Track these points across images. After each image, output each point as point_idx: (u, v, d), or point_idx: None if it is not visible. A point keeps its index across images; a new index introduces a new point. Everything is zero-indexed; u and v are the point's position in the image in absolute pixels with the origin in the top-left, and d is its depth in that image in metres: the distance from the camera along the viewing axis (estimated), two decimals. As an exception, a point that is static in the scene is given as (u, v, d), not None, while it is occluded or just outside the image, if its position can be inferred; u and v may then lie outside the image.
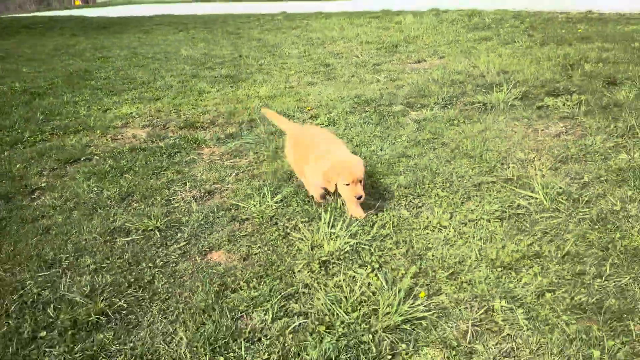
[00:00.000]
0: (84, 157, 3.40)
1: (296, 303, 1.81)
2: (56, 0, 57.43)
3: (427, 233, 2.21)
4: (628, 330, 1.55)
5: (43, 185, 2.99)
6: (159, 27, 12.26)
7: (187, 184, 2.94)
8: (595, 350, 1.47)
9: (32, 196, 2.88)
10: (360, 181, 2.34)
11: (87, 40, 10.22)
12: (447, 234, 2.18)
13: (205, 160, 3.32)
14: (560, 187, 2.44)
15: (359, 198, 2.32)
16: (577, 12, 9.05)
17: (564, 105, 3.72)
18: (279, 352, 1.57)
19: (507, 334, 1.58)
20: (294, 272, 2.00)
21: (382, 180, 2.78)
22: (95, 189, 2.89)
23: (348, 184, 2.31)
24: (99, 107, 4.72)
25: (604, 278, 1.79)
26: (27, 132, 3.92)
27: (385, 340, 1.59)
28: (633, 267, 1.83)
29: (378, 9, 12.39)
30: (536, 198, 2.39)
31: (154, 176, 3.06)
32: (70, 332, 1.71)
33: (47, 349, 1.65)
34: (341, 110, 4.11)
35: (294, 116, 4.10)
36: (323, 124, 3.83)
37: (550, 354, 1.48)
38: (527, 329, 1.59)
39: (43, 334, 1.72)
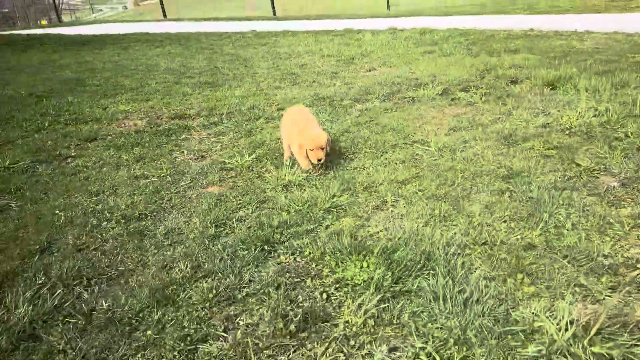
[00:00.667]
0: (99, 137, 4.42)
1: (266, 204, 2.90)
2: (20, 21, 57.35)
3: (354, 170, 3.35)
4: (463, 208, 2.69)
5: (73, 154, 4.00)
6: (135, 44, 13.25)
7: (185, 152, 3.99)
8: (436, 209, 2.61)
9: (67, 161, 3.89)
10: (323, 149, 3.21)
11: (70, 55, 11.13)
12: (368, 170, 3.31)
13: (195, 138, 4.39)
14: (447, 143, 3.63)
15: (319, 160, 3.21)
16: (520, 30, 10.55)
17: (470, 97, 4.97)
18: (256, 224, 2.65)
19: (391, 210, 2.71)
20: (264, 191, 3.09)
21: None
22: (114, 155, 3.92)
23: (312, 150, 3.21)
24: (99, 106, 5.72)
25: (455, 185, 2.95)
26: (47, 122, 4.91)
27: (321, 215, 2.70)
28: (475, 180, 3.00)
29: (342, 28, 13.77)
30: (429, 150, 3.56)
31: (157, 148, 4.11)
32: (122, 221, 2.75)
33: (108, 230, 2.68)
34: (302, 104, 5.26)
35: (263, 110, 5.21)
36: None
37: (415, 218, 2.61)
38: (404, 207, 2.72)
39: (105, 223, 2.75)
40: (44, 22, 43.38)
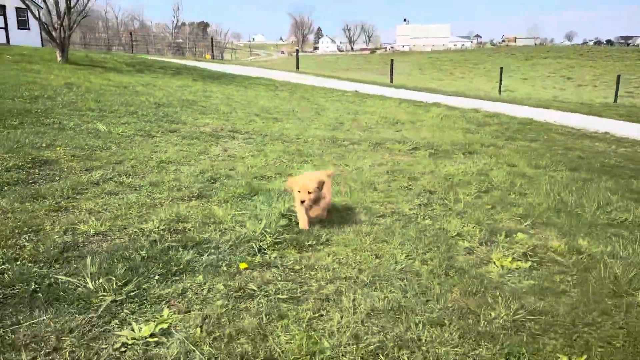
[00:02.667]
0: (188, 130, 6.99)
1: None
2: (188, 52, 68.65)
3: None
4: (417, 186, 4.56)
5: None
6: (257, 85, 16.63)
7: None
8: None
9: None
10: (310, 192, 3.18)
11: (202, 85, 14.70)
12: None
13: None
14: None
15: (302, 202, 3.21)
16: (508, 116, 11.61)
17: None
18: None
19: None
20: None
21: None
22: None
23: (299, 191, 3.21)
24: (192, 117, 8.44)
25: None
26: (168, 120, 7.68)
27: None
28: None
29: (433, 101, 15.74)
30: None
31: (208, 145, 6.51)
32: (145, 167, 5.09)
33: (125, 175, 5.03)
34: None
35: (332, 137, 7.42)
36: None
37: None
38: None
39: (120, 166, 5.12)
40: (208, 56, 51.99)
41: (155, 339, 2.14)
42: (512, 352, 2.17)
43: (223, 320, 2.33)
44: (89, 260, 2.71)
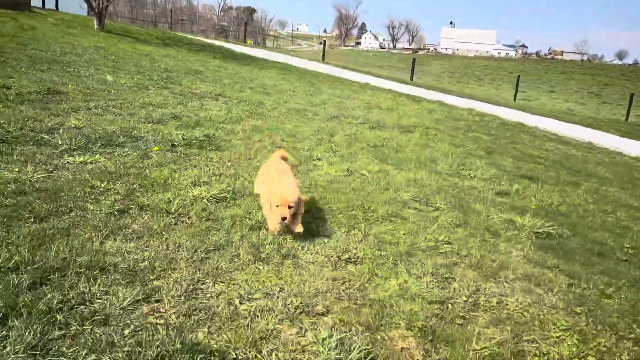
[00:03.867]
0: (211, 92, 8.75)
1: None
2: (233, 36, 71.19)
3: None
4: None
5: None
6: (272, 69, 18.30)
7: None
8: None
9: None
10: (290, 207, 3.20)
11: (219, 62, 16.50)
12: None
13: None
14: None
15: (283, 219, 3.20)
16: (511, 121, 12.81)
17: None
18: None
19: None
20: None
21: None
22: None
23: (278, 206, 3.20)
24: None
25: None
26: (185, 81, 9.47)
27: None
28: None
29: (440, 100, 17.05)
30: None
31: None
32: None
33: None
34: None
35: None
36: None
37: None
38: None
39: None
40: (249, 41, 54.30)
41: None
42: None
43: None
44: (62, 131, 4.46)
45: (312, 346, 2.27)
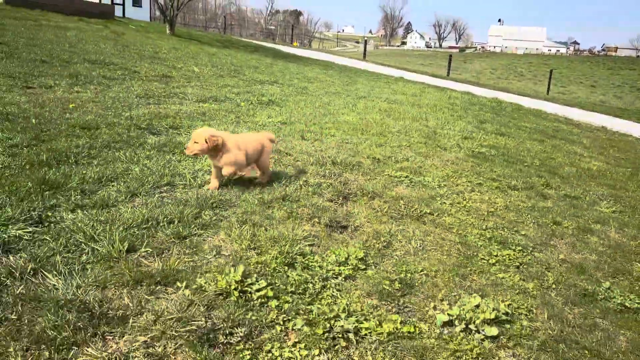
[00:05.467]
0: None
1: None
2: (280, 38, 75.43)
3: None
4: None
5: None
6: (315, 64, 21.54)
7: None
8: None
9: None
10: (196, 142, 3.66)
11: (271, 60, 19.88)
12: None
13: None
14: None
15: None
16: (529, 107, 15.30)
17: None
18: (250, 96, 9.76)
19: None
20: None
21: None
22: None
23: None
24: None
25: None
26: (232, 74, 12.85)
27: (267, 99, 9.68)
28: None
29: (488, 96, 19.72)
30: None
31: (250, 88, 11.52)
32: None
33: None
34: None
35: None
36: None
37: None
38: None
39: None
40: (295, 43, 58.14)
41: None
42: None
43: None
44: (189, 93, 7.76)
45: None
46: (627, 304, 3.22)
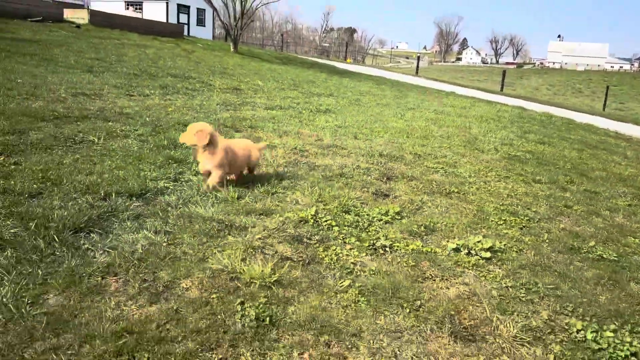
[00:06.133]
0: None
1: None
2: (334, 55, 77.53)
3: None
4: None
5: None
6: (367, 79, 22.87)
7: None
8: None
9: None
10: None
11: (326, 75, 21.38)
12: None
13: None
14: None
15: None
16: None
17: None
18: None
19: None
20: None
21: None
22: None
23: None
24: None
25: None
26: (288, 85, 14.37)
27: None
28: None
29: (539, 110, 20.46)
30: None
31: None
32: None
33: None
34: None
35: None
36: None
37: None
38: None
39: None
40: (349, 60, 60.02)
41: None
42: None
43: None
44: (256, 102, 9.24)
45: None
46: (604, 256, 4.24)
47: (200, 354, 2.11)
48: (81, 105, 6.76)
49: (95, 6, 23.05)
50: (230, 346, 2.18)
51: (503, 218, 4.71)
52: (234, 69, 15.77)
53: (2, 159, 4.10)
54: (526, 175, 6.92)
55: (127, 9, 35.13)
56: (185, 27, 39.97)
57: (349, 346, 2.34)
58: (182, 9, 39.78)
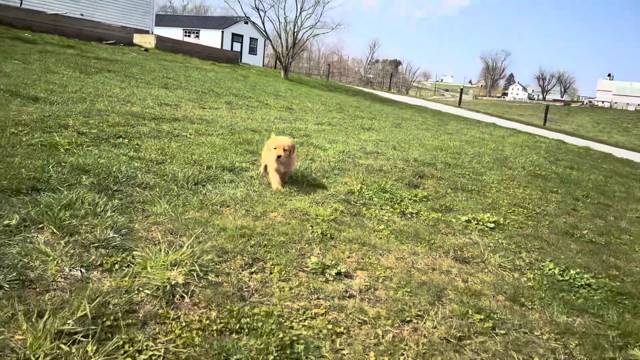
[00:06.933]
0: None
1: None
2: (378, 86, 78.97)
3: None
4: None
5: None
6: (409, 108, 24.11)
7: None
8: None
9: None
10: (285, 150, 4.50)
11: (369, 102, 22.79)
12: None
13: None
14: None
15: (278, 157, 4.50)
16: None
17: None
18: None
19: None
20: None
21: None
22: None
23: (275, 148, 4.49)
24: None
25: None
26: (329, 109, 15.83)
27: (368, 128, 12.38)
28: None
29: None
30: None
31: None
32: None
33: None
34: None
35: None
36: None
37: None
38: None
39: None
40: (392, 91, 61.65)
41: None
42: None
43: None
44: (307, 123, 10.65)
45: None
46: (594, 240, 5.30)
47: (289, 244, 3.42)
48: (168, 111, 8.33)
49: (157, 32, 25.40)
50: (306, 243, 3.47)
51: (513, 209, 5.84)
52: (285, 93, 17.40)
53: (127, 141, 5.59)
54: (545, 188, 7.97)
55: (186, 36, 37.94)
56: (238, 54, 42.81)
57: (381, 254, 3.58)
58: (236, 37, 42.54)
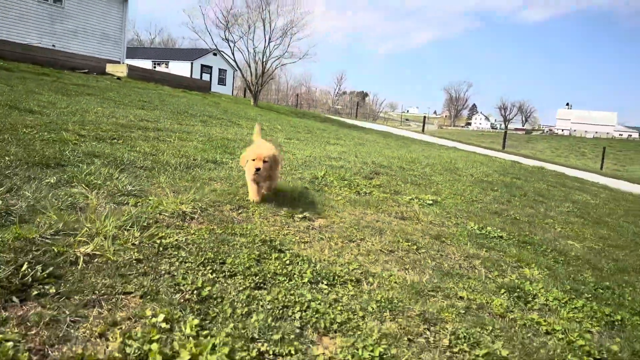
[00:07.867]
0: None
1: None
2: (346, 115, 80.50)
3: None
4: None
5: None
6: (374, 133, 25.54)
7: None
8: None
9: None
10: (266, 161, 4.15)
11: (336, 127, 24.11)
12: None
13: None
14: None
15: (257, 170, 4.15)
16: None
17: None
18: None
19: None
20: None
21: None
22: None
23: (253, 160, 4.17)
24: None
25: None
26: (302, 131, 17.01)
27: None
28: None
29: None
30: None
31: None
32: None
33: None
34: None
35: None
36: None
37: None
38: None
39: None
40: (360, 119, 63.67)
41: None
42: None
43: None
44: (293, 141, 11.76)
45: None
46: (518, 218, 6.48)
47: (265, 201, 4.44)
48: (151, 124, 9.31)
49: (128, 63, 26.44)
50: (278, 203, 4.52)
51: (452, 196, 7.01)
52: (255, 117, 18.54)
53: (121, 141, 6.55)
54: (487, 188, 9.21)
55: (155, 67, 38.98)
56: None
57: (337, 212, 4.65)
58: (205, 68, 43.84)
